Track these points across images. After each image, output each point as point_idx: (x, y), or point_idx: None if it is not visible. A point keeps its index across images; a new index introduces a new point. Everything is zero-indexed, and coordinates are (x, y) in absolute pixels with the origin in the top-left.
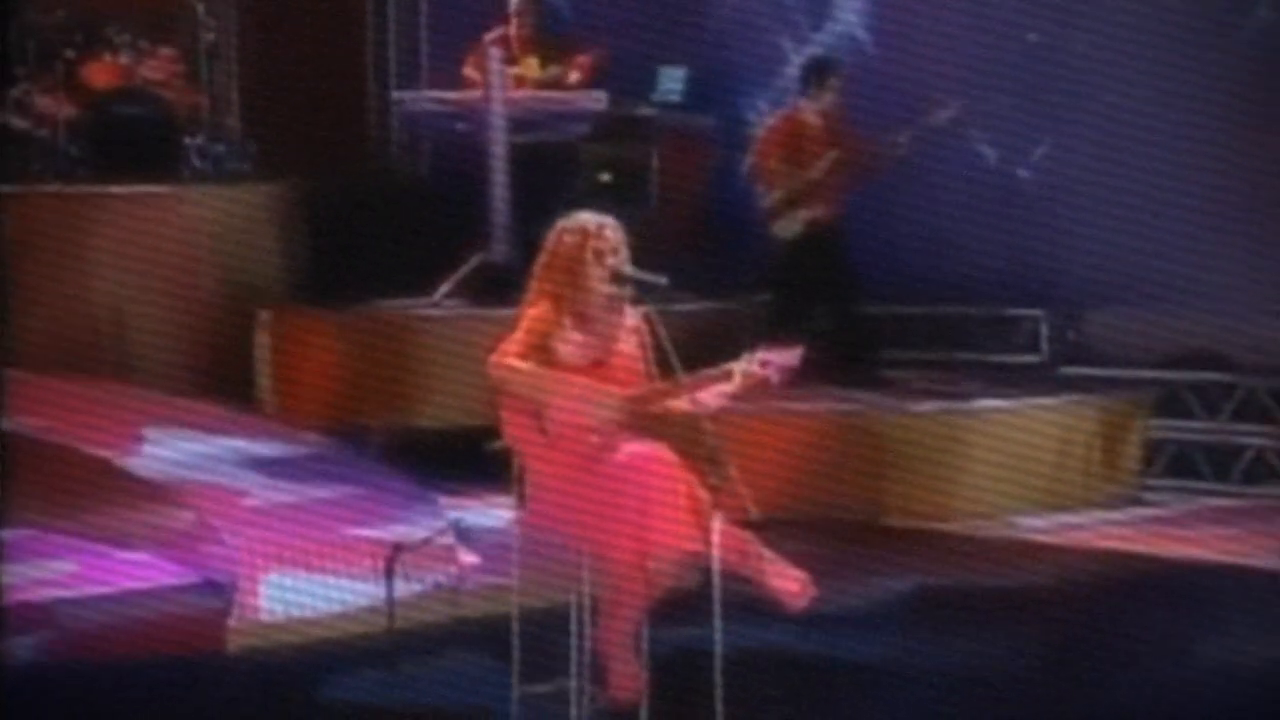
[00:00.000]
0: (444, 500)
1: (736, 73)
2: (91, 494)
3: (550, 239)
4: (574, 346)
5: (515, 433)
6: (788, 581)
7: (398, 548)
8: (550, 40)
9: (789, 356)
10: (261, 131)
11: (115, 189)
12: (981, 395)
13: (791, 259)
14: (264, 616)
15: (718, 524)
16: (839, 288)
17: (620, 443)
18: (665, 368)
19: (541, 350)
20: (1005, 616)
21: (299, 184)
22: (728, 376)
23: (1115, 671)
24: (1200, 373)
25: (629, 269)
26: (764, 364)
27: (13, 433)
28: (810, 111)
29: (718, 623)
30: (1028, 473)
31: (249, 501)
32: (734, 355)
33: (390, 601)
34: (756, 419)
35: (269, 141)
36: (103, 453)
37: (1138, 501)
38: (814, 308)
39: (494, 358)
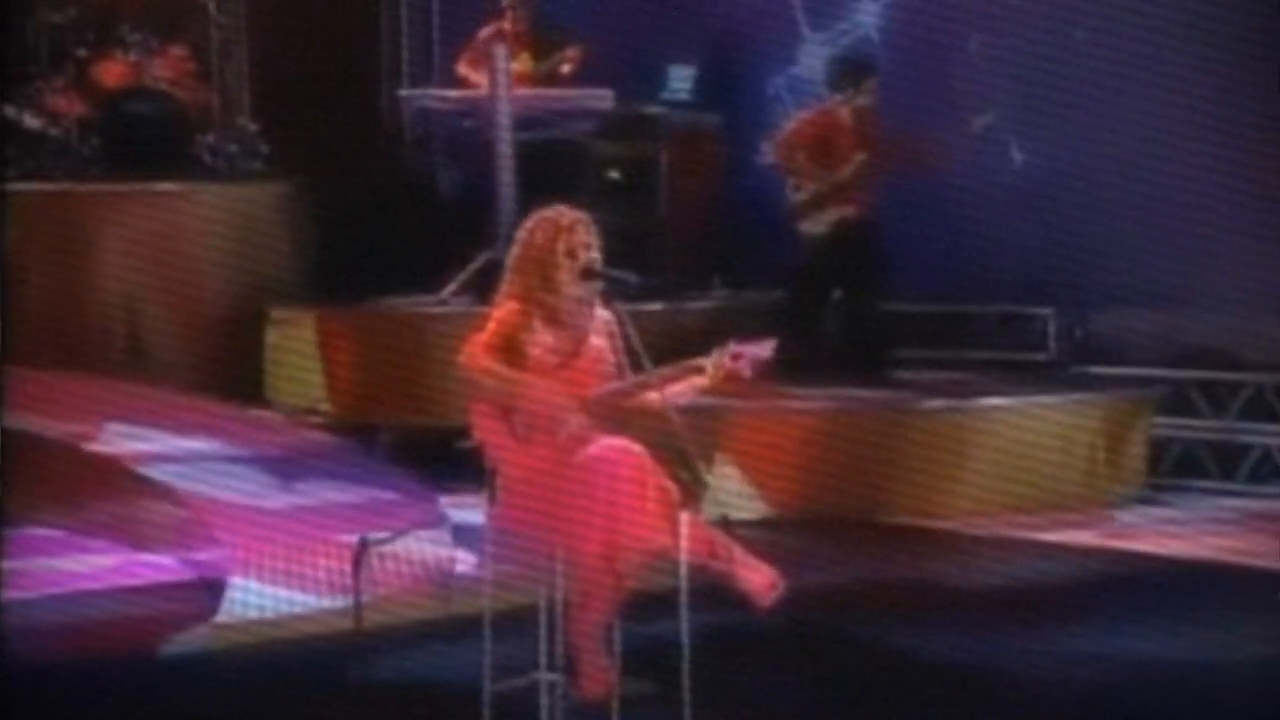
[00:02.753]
0: (444, 499)
1: (746, 71)
2: (91, 491)
3: (523, 232)
4: (542, 344)
5: (484, 430)
6: (757, 576)
7: (364, 543)
8: (544, 34)
9: (761, 349)
10: (273, 130)
11: (127, 187)
12: (988, 393)
13: (819, 256)
14: (252, 613)
15: (686, 519)
16: (864, 286)
17: (589, 439)
18: (634, 364)
19: (509, 348)
20: (1007, 615)
21: (309, 182)
22: (699, 370)
23: (1117, 671)
24: (1207, 371)
25: (599, 265)
26: (735, 356)
27: (15, 430)
28: (845, 111)
29: (684, 615)
30: (1033, 471)
31: (247, 500)
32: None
33: (358, 596)
34: (761, 416)
35: (280, 140)
36: (104, 450)
37: (1143, 500)
38: (835, 305)
39: (463, 356)
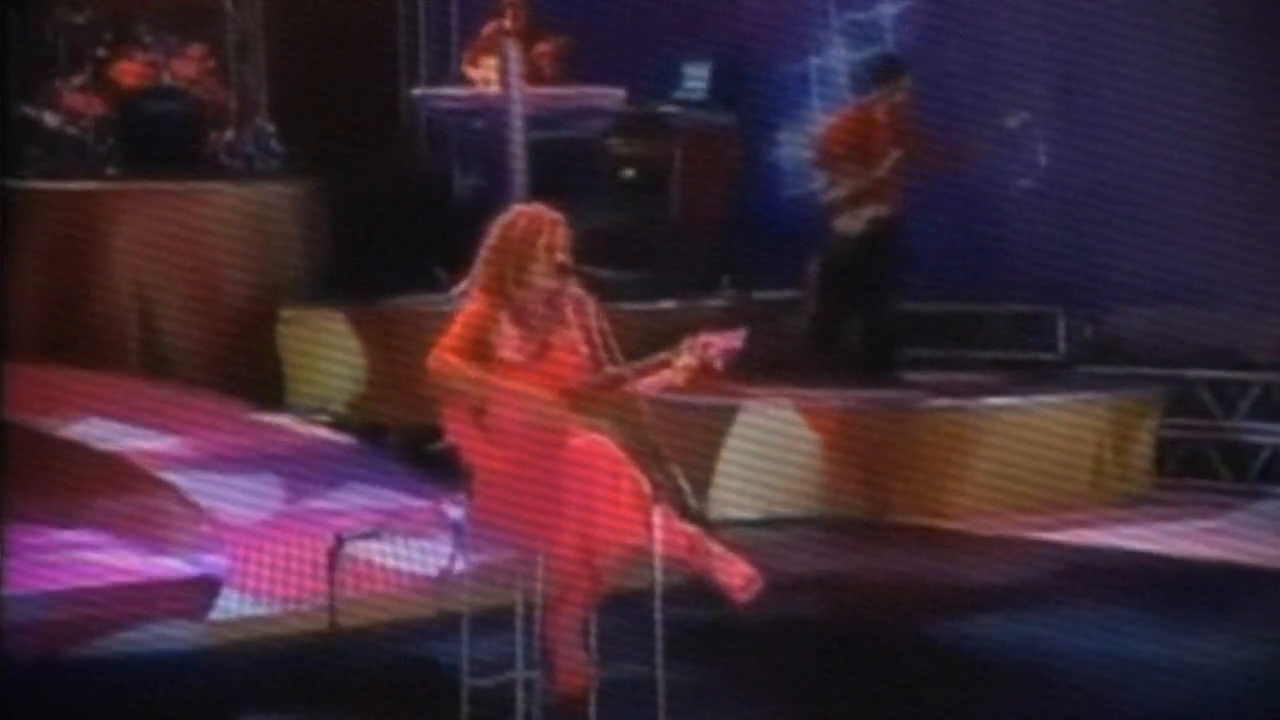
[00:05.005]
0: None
1: (761, 69)
2: (94, 488)
3: (504, 222)
4: (510, 342)
5: (457, 431)
6: (734, 572)
7: (339, 539)
8: (534, 32)
9: (731, 340)
10: (290, 129)
11: (144, 186)
12: (994, 393)
13: (853, 253)
14: (248, 611)
15: (660, 516)
16: (889, 284)
17: (564, 437)
18: (607, 351)
19: (479, 346)
20: (1013, 614)
21: (325, 181)
22: (669, 364)
23: (1124, 670)
24: (1216, 370)
25: (571, 264)
26: (706, 348)
27: (18, 424)
28: (881, 109)
29: (658, 612)
30: (1040, 471)
31: (250, 502)
32: (759, 351)
33: (333, 593)
34: (768, 414)
35: (297, 139)
36: (110, 447)
37: (1152, 500)
38: (861, 304)
39: (433, 357)
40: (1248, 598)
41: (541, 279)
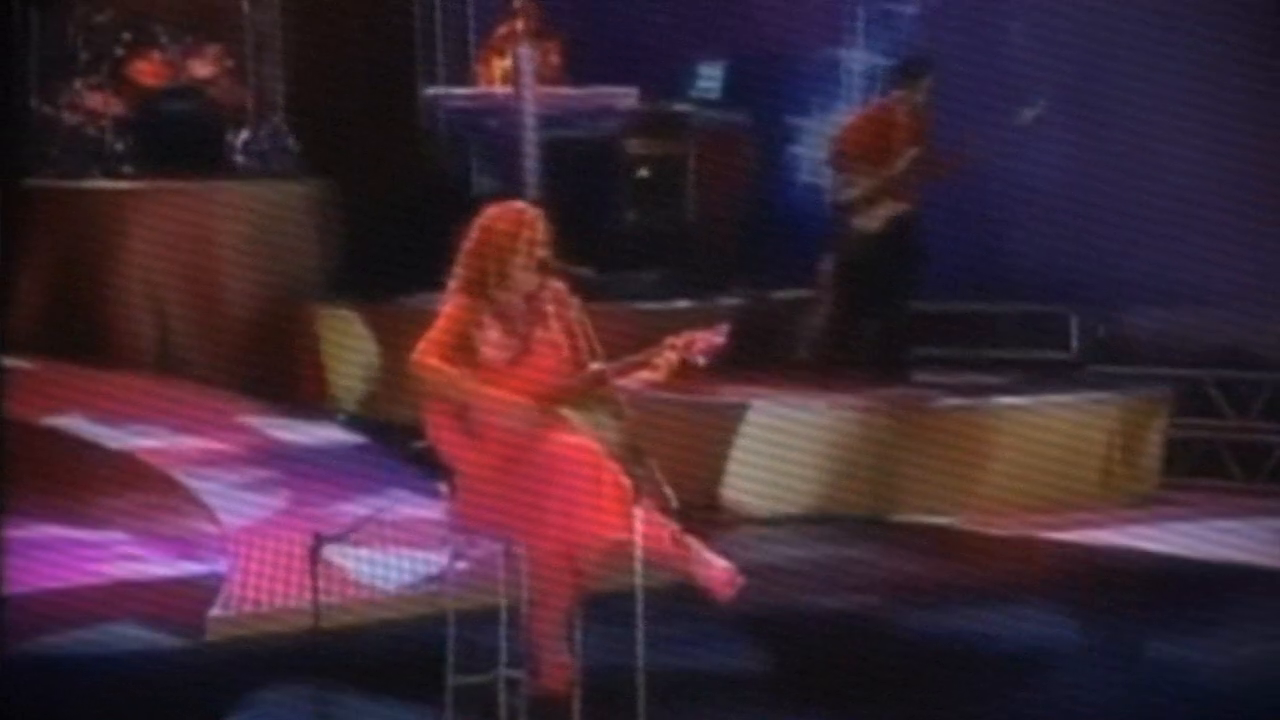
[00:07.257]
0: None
1: (776, 68)
2: (99, 486)
3: (484, 222)
4: (493, 342)
5: (439, 430)
6: (715, 571)
7: (319, 538)
8: (542, 32)
9: (714, 336)
10: (307, 128)
11: (161, 185)
12: (1007, 392)
13: (871, 252)
14: (245, 610)
15: (641, 513)
16: (907, 283)
17: (544, 436)
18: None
19: (461, 346)
20: (1020, 613)
21: (341, 181)
22: (651, 361)
23: (1129, 670)
24: (1229, 371)
25: (553, 261)
26: (688, 345)
27: (25, 423)
28: (903, 107)
29: (640, 608)
30: (1049, 470)
31: (256, 497)
32: (772, 350)
33: (316, 593)
34: (779, 414)
35: (313, 138)
36: (116, 445)
37: (1162, 500)
38: (876, 303)
39: (415, 357)
40: (1257, 598)
41: (523, 277)
